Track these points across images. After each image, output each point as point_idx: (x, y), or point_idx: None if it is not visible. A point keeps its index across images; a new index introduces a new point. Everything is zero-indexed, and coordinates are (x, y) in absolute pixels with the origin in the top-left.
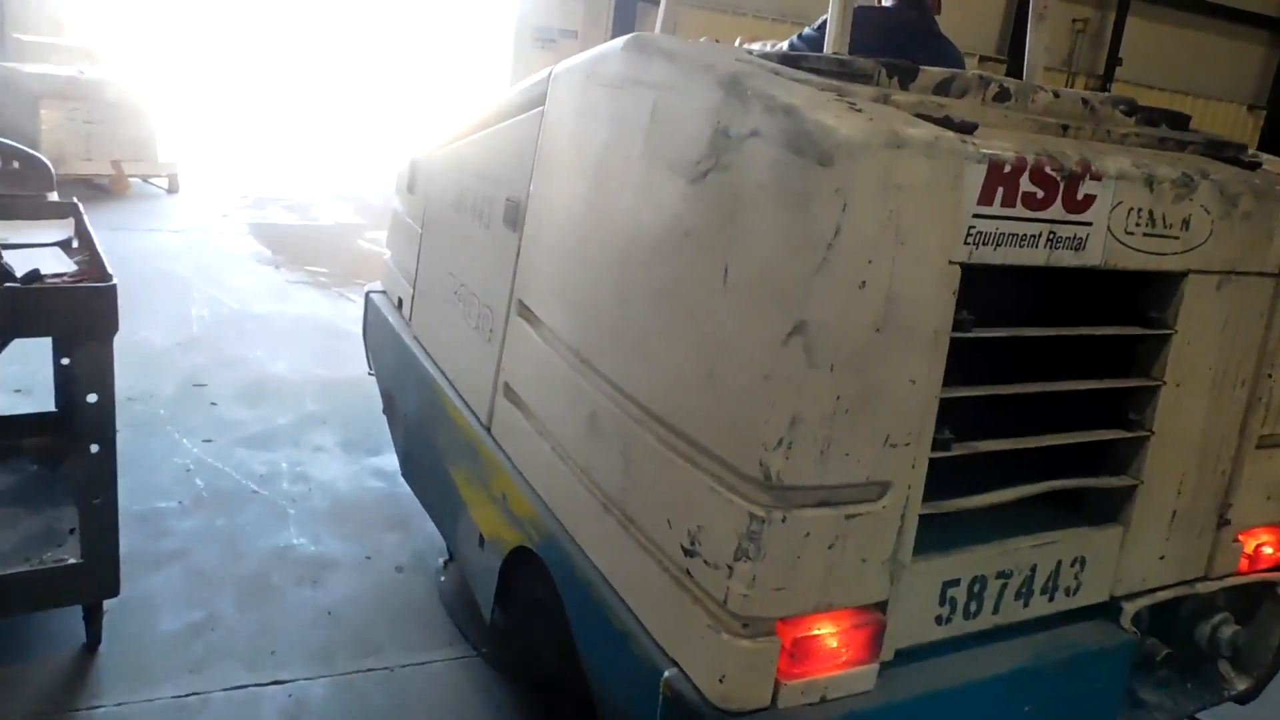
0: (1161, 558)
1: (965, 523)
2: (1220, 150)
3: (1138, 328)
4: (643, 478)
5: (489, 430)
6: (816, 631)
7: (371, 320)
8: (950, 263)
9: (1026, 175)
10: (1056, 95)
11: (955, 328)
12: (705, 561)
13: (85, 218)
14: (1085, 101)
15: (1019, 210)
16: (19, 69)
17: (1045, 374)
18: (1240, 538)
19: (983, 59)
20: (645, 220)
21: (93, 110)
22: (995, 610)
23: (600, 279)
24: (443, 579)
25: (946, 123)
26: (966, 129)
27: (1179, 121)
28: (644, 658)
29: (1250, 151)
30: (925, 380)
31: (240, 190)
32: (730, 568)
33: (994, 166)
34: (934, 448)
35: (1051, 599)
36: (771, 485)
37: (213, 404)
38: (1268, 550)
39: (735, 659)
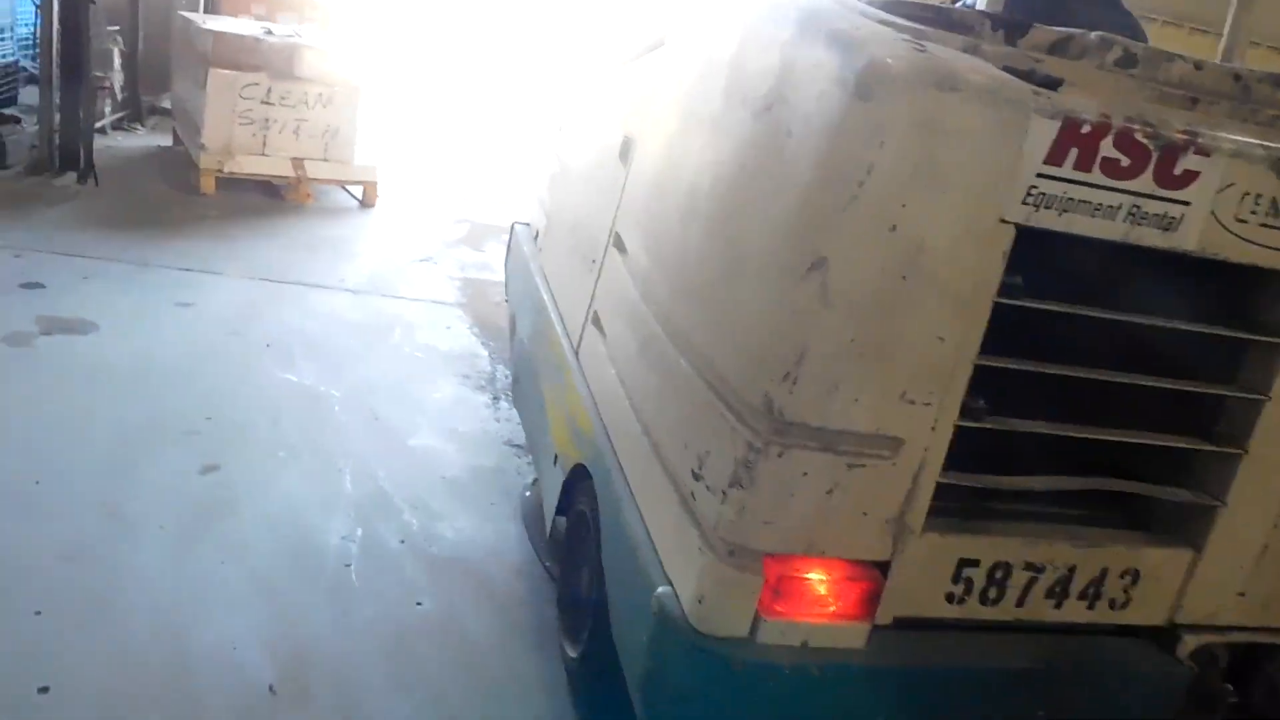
0: (1241, 594)
1: (1002, 505)
2: None
3: (1244, 331)
4: (671, 400)
5: (577, 354)
6: (804, 575)
7: (512, 249)
8: (1002, 221)
9: (1110, 139)
10: (1198, 67)
11: (1001, 292)
12: (707, 486)
13: None
14: (1238, 77)
15: (1095, 176)
16: (195, 21)
17: (1132, 368)
18: None
19: None
20: (713, 154)
21: (277, 88)
22: (1020, 603)
23: (670, 211)
24: (527, 494)
25: (1028, 75)
26: (1048, 84)
27: None
28: (645, 573)
29: None
30: (956, 341)
31: (451, 211)
32: (724, 494)
33: (1069, 125)
34: (962, 414)
35: (1091, 607)
36: (772, 417)
37: None
38: None
39: (715, 583)
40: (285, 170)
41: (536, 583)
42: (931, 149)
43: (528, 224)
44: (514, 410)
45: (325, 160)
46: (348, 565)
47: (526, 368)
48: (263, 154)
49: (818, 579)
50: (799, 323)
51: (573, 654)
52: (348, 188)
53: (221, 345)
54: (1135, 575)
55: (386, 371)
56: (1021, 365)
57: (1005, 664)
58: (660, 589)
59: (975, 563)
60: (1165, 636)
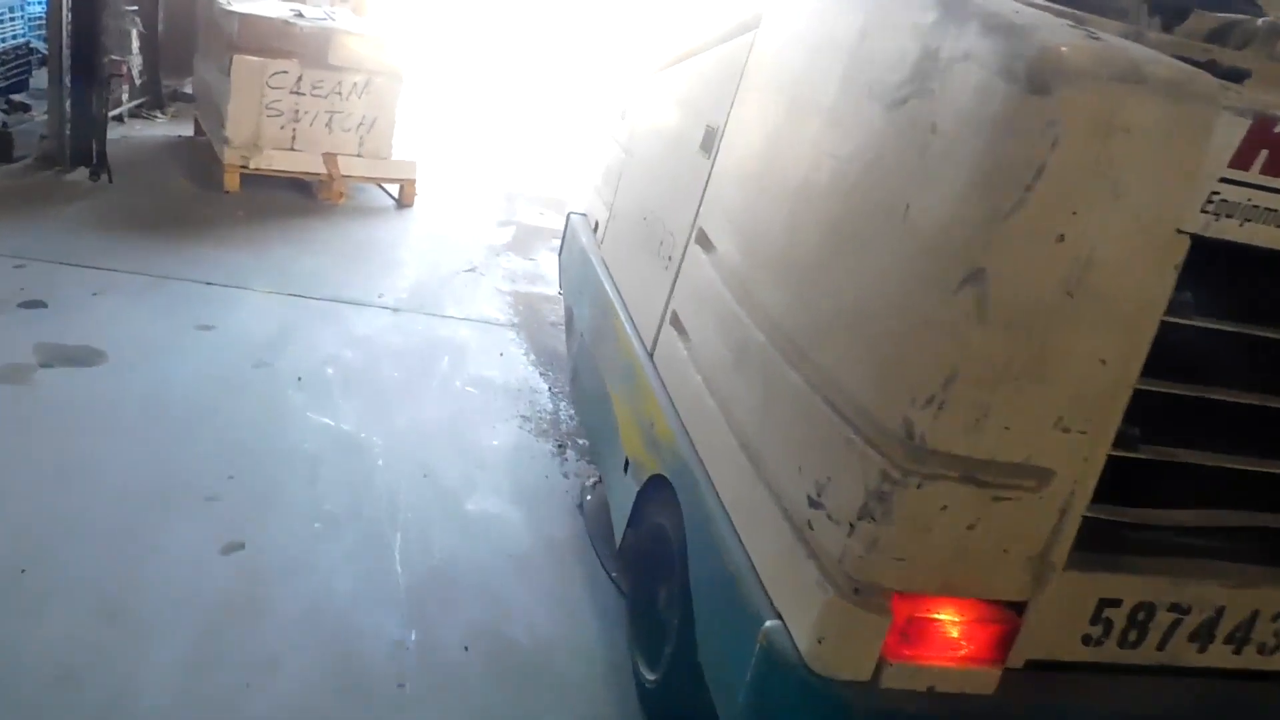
0: None
1: (1144, 539)
2: None
3: None
4: (780, 418)
5: (651, 356)
6: (935, 615)
7: (568, 241)
8: (1178, 232)
9: None
10: None
11: (1170, 310)
12: (829, 516)
13: None
14: None
15: None
16: (219, 2)
17: None
18: None
19: None
20: (831, 148)
21: (308, 76)
22: (1160, 646)
23: (775, 207)
24: (588, 498)
25: (1210, 67)
26: (1234, 77)
27: None
28: (748, 603)
29: None
30: (1119, 363)
31: (494, 211)
32: (852, 526)
33: (1261, 124)
34: (1115, 443)
35: (1238, 651)
36: (913, 445)
37: None
38: None
39: (838, 623)
40: (316, 166)
41: (631, 707)
42: (1109, 149)
43: (584, 214)
44: (585, 465)
45: (360, 156)
46: (402, 686)
47: (588, 365)
48: (292, 148)
49: (950, 620)
50: (949, 341)
51: (650, 676)
52: (384, 185)
53: (248, 380)
54: None
55: (436, 412)
56: (1186, 390)
57: (1145, 712)
58: (769, 623)
59: (1117, 603)
60: None
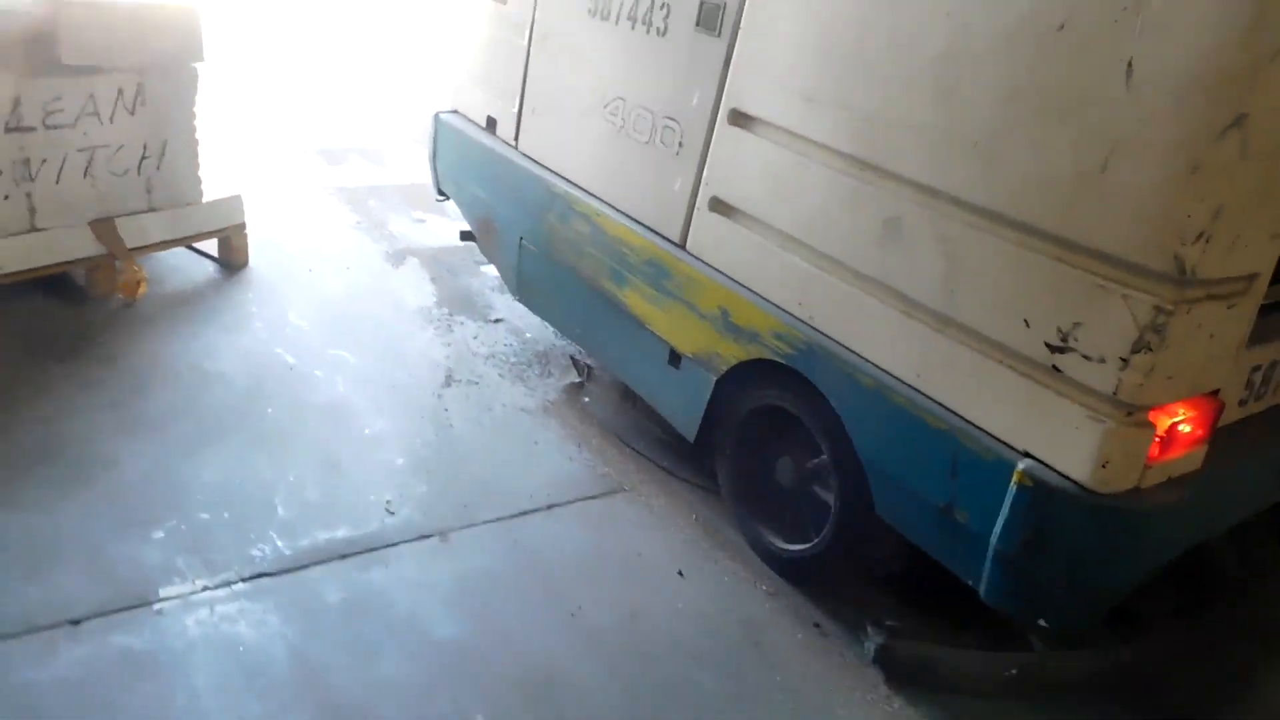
0: None
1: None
2: None
3: None
4: (979, 282)
5: (683, 247)
6: (1180, 417)
7: (447, 142)
8: None
9: None
10: None
11: None
12: (1084, 356)
13: None
14: None
15: None
16: None
17: None
18: None
19: None
20: (984, 17)
21: (33, 95)
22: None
23: (903, 81)
24: (586, 400)
25: None
26: None
27: None
28: (982, 451)
29: None
30: None
31: (360, 232)
32: (1124, 360)
33: None
34: None
35: None
36: (1184, 279)
37: None
38: None
39: (1119, 445)
40: (82, 248)
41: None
42: None
43: (455, 111)
44: None
45: (151, 209)
46: None
47: (550, 269)
48: (32, 228)
49: (1186, 417)
50: (1217, 181)
51: (801, 546)
52: (200, 245)
53: None
54: None
55: None
56: None
57: None
58: (1022, 464)
59: (1258, 367)
60: None
